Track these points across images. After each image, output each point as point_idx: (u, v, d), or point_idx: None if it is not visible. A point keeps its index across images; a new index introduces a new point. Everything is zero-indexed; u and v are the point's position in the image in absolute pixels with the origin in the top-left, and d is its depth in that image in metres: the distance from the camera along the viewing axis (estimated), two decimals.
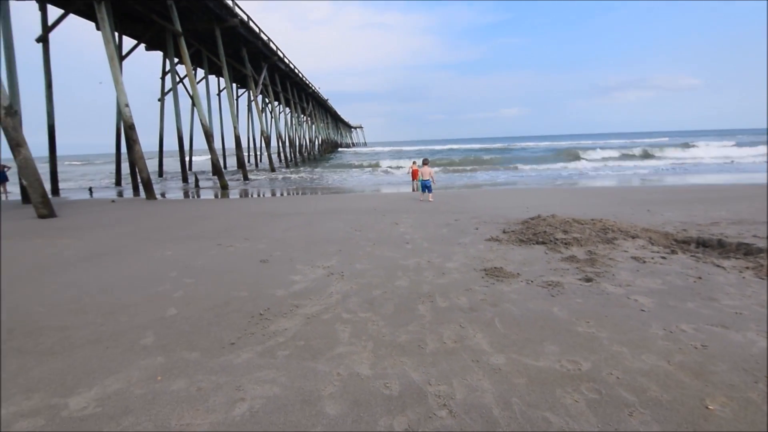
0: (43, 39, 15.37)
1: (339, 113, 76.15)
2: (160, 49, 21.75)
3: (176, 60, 20.03)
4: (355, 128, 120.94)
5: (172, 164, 28.82)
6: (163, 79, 22.56)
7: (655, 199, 9.02)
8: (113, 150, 19.43)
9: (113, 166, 21.16)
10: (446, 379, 2.34)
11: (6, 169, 16.17)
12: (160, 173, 24.10)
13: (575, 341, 2.73)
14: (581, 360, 2.49)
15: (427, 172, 10.77)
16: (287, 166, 30.12)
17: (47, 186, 11.14)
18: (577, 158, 28.65)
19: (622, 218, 6.66)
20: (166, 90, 22.35)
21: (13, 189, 16.67)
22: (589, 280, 3.88)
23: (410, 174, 15.41)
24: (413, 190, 14.56)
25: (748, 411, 1.98)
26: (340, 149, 74.11)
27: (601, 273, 4.07)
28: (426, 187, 10.63)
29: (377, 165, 30.22)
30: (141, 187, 14.30)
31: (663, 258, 4.52)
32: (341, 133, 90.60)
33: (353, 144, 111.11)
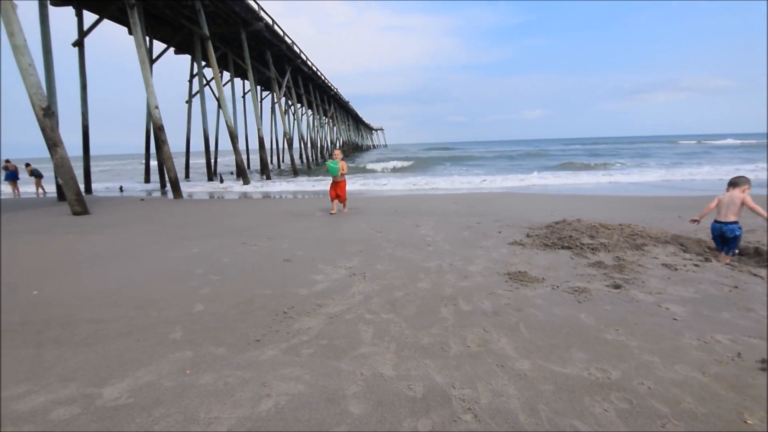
0: (79, 43, 16.04)
1: (360, 115, 76.55)
2: (189, 53, 22.40)
3: (203, 63, 20.56)
4: (376, 130, 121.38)
5: (198, 164, 29.55)
6: (190, 81, 23.19)
7: (685, 205, 8.70)
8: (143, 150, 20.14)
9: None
10: (470, 382, 2.31)
11: (28, 168, 17.51)
12: (187, 173, 24.75)
13: (604, 349, 2.66)
14: (610, 368, 2.42)
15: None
16: (309, 168, 30.37)
17: (81, 184, 11.57)
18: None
19: (652, 224, 6.46)
20: (193, 92, 22.98)
21: (49, 188, 17.45)
22: (617, 286, 3.78)
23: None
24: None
25: None
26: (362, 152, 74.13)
27: (630, 280, 3.95)
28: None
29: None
30: (169, 186, 14.74)
31: (696, 266, 4.36)
32: (362, 135, 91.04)
33: (374, 146, 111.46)
